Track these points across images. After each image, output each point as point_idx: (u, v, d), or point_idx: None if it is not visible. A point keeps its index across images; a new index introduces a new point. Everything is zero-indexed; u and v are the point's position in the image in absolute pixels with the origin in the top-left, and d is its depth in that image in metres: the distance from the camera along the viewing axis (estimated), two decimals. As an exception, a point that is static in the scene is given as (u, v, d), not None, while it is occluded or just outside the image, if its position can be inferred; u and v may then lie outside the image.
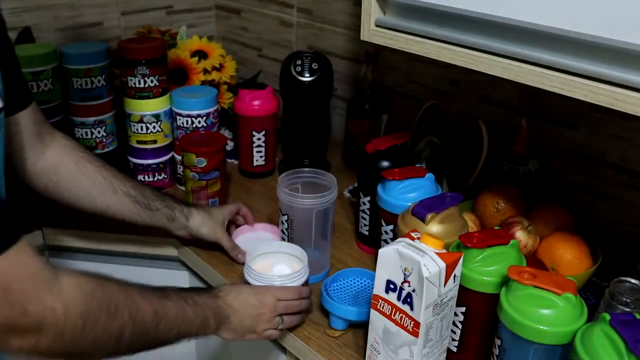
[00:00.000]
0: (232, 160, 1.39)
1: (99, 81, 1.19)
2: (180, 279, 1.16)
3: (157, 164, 1.24)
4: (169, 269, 1.15)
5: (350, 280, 0.94)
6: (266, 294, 0.86)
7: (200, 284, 1.12)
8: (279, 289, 0.87)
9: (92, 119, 1.21)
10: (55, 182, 0.93)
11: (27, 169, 0.90)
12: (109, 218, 0.98)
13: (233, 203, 1.10)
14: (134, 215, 0.98)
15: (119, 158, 1.28)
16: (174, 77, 1.37)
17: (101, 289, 0.65)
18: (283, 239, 1.01)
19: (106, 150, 1.24)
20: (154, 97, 1.20)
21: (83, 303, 0.62)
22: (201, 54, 1.42)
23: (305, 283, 0.91)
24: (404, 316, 0.70)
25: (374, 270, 0.74)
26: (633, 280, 0.73)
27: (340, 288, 0.93)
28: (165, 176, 1.26)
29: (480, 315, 0.76)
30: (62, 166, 0.93)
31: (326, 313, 0.91)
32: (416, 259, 0.68)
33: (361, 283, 0.94)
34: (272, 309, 0.85)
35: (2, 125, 0.75)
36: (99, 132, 1.22)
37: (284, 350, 0.94)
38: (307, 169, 1.00)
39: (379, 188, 0.96)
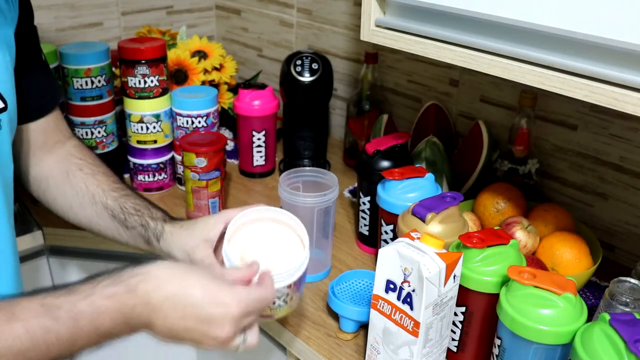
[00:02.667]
0: (232, 160, 1.39)
1: (99, 81, 1.19)
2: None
3: (157, 164, 1.24)
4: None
5: (355, 282, 0.93)
6: (228, 302, 0.57)
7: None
8: (251, 292, 0.59)
9: (92, 119, 1.21)
10: (44, 191, 0.85)
11: (23, 177, 0.85)
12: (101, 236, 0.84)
13: (232, 208, 0.78)
14: (114, 234, 0.83)
15: (119, 158, 1.28)
16: (174, 77, 1.38)
17: None
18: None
19: (106, 150, 1.24)
20: (154, 97, 1.20)
21: None
22: (201, 54, 1.42)
23: (304, 274, 0.73)
24: (404, 316, 0.71)
25: (374, 270, 0.74)
26: (633, 280, 0.73)
27: (346, 290, 0.92)
28: (165, 176, 1.26)
29: (480, 315, 0.76)
30: (52, 176, 0.84)
31: (327, 314, 0.91)
32: (416, 259, 0.68)
33: (365, 284, 0.93)
34: (234, 322, 0.58)
35: (4, 126, 0.73)
36: (99, 132, 1.22)
37: (284, 350, 0.94)
38: (308, 168, 1.00)
39: (379, 188, 0.96)
